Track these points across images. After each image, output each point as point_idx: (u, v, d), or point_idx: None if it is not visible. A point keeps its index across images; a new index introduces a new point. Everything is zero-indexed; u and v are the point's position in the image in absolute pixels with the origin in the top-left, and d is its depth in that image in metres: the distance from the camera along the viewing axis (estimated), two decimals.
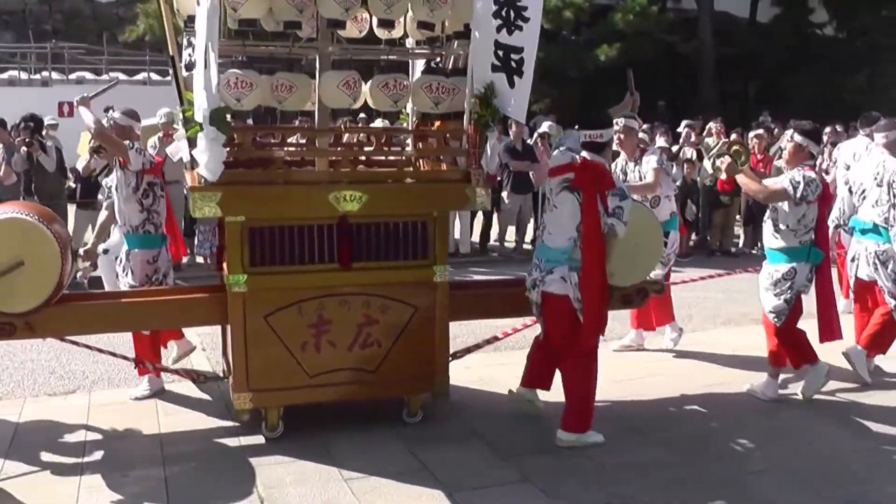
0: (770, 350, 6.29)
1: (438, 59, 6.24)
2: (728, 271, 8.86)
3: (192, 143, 4.90)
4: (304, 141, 6.74)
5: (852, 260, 6.90)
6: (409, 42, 6.26)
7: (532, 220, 13.03)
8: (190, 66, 5.14)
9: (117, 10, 27.68)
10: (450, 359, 5.76)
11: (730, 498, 4.72)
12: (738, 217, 13.72)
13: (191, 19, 5.25)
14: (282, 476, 4.92)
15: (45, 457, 5.25)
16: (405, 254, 5.41)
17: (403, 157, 5.79)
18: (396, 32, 6.02)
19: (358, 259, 5.31)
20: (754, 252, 13.07)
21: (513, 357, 6.96)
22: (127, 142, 6.04)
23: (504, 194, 12.48)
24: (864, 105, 24.18)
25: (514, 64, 5.20)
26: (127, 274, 6.19)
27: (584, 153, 5.30)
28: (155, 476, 4.95)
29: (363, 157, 6.17)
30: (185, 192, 6.29)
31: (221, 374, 6.18)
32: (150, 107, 13.13)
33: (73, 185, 11.98)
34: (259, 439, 5.41)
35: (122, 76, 21.62)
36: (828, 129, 14.31)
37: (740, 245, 13.65)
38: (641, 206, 6.11)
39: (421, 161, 6.01)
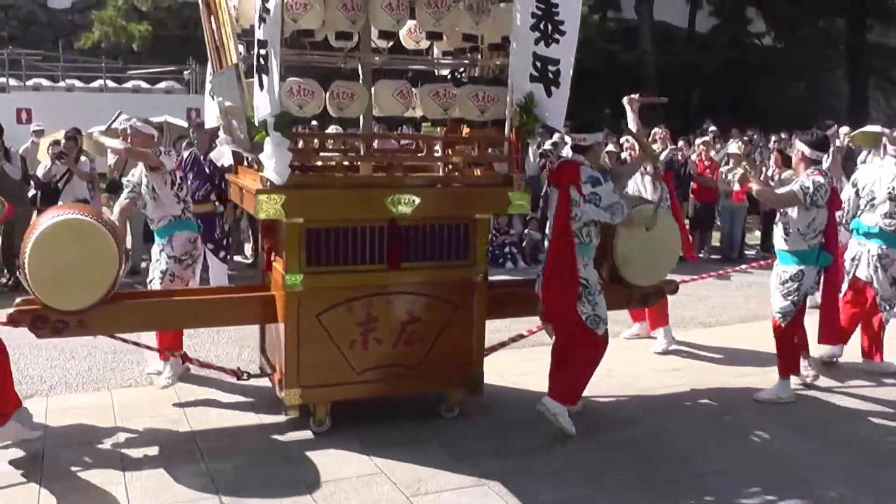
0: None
1: (462, 70, 6.58)
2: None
3: (257, 148, 5.16)
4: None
5: (852, 259, 7.37)
6: (434, 52, 6.60)
7: None
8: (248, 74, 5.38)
9: (72, 16, 27.51)
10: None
11: (685, 498, 4.94)
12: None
13: (253, 29, 5.51)
14: (244, 481, 5.07)
15: (3, 464, 5.28)
16: (448, 254, 5.80)
17: (451, 164, 6.07)
18: (422, 43, 6.38)
19: (405, 259, 5.67)
20: (700, 255, 13.53)
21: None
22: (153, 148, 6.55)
23: None
24: (805, 113, 25.25)
25: (550, 75, 5.64)
26: (164, 250, 6.57)
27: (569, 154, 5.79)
28: (115, 480, 5.05)
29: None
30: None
31: (259, 372, 6.39)
32: (108, 113, 13.20)
33: (34, 192, 12.03)
34: (219, 445, 5.59)
35: (78, 83, 21.55)
36: (773, 138, 14.98)
37: None
38: (660, 207, 6.50)
39: (451, 166, 6.30)
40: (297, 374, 5.55)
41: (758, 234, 15.25)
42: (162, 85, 22.56)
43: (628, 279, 6.34)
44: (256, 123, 5.14)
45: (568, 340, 5.77)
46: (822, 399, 6.68)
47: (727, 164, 13.59)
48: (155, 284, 6.60)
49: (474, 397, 6.06)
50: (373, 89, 5.76)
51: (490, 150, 5.95)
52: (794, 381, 6.71)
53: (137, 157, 6.62)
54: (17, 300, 5.55)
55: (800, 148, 6.48)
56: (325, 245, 5.49)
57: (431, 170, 6.32)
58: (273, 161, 5.08)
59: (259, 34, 5.02)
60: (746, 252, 14.32)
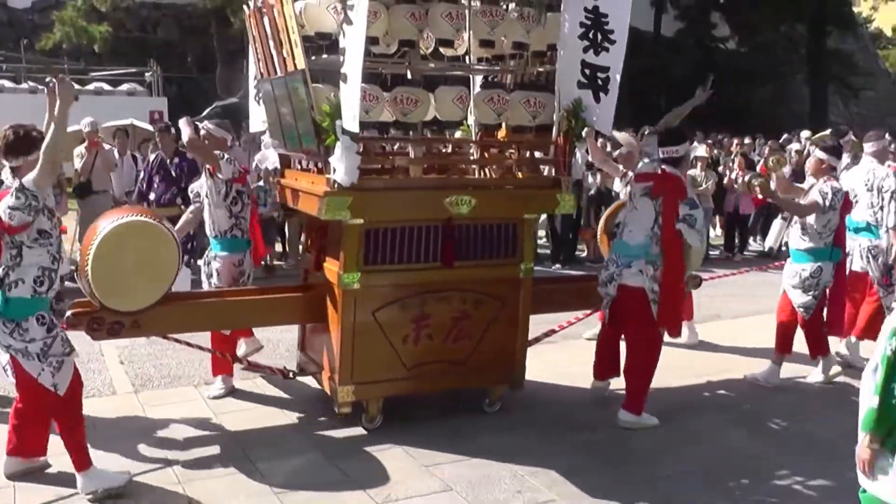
0: (778, 339, 7.28)
1: (495, 76, 6.93)
2: None
3: (328, 152, 5.44)
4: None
5: (847, 254, 7.86)
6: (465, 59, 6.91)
7: None
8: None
9: (32, 16, 27.25)
10: None
11: (647, 500, 5.10)
12: None
13: (319, 35, 5.81)
14: (214, 489, 5.14)
15: None
16: (498, 252, 6.11)
17: (504, 166, 6.42)
18: (459, 50, 6.69)
19: (458, 258, 5.96)
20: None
21: None
22: (218, 152, 6.58)
23: None
24: (770, 117, 26.02)
25: (600, 81, 5.99)
26: (212, 276, 6.69)
27: (663, 165, 6.17)
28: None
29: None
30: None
31: (297, 370, 6.67)
32: (71, 116, 13.11)
33: None
34: (187, 453, 5.65)
35: (39, 85, 21.37)
36: (736, 140, 15.57)
37: None
38: None
39: (487, 168, 6.61)
40: (351, 370, 5.79)
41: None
42: (124, 87, 22.51)
43: None
44: (345, 128, 5.32)
45: (635, 342, 6.24)
46: (781, 399, 6.95)
47: (694, 166, 14.14)
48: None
49: (516, 392, 6.39)
50: (432, 95, 6.06)
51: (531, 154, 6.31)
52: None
53: (200, 153, 6.70)
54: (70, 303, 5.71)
55: (818, 156, 7.00)
56: (382, 245, 5.74)
57: (468, 172, 6.61)
58: (342, 164, 5.32)
59: (342, 43, 5.31)
60: (711, 252, 14.73)
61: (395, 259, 5.81)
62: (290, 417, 6.29)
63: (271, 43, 5.94)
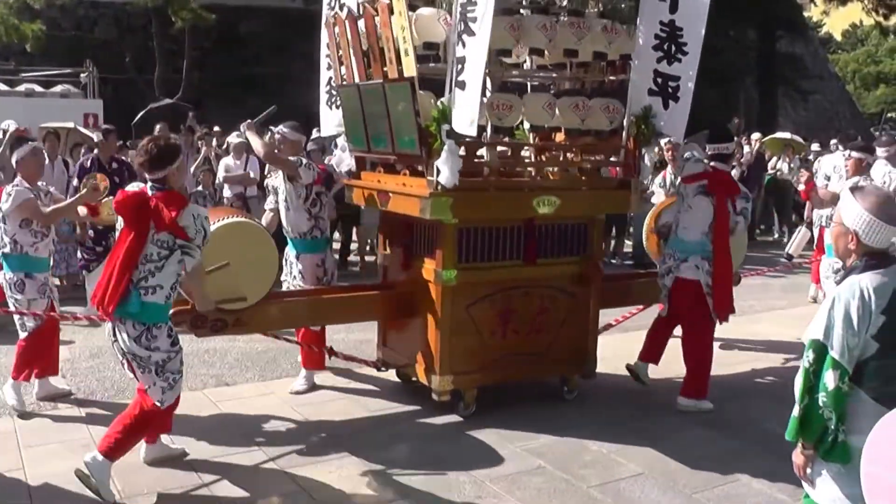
0: None
1: (550, 83, 7.70)
2: None
3: (435, 155, 6.01)
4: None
5: None
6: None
7: None
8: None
9: None
10: None
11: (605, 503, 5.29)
12: None
13: (426, 45, 6.43)
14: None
15: None
16: (572, 250, 6.80)
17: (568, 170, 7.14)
18: (522, 57, 7.38)
19: (539, 256, 6.63)
20: (614, 262, 14.24)
21: None
22: (294, 158, 7.04)
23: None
24: (719, 120, 27.12)
25: (670, 90, 6.68)
26: (296, 278, 7.14)
27: (712, 163, 6.95)
28: None
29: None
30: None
31: (379, 365, 7.27)
32: None
33: None
34: (133, 468, 5.53)
35: None
36: (685, 141, 16.72)
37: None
38: None
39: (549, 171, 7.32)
40: (450, 362, 6.39)
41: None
42: (57, 88, 21.95)
43: None
44: (455, 131, 5.90)
45: (691, 330, 7.00)
46: (744, 400, 7.32)
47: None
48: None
49: (587, 380, 7.08)
50: (522, 100, 6.68)
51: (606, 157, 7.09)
52: None
53: (278, 164, 7.06)
54: None
55: (856, 157, 7.87)
56: (473, 243, 6.36)
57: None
58: (447, 166, 5.86)
59: (459, 52, 5.86)
60: None
61: (484, 257, 6.43)
62: (240, 429, 6.39)
63: (363, 50, 6.56)
